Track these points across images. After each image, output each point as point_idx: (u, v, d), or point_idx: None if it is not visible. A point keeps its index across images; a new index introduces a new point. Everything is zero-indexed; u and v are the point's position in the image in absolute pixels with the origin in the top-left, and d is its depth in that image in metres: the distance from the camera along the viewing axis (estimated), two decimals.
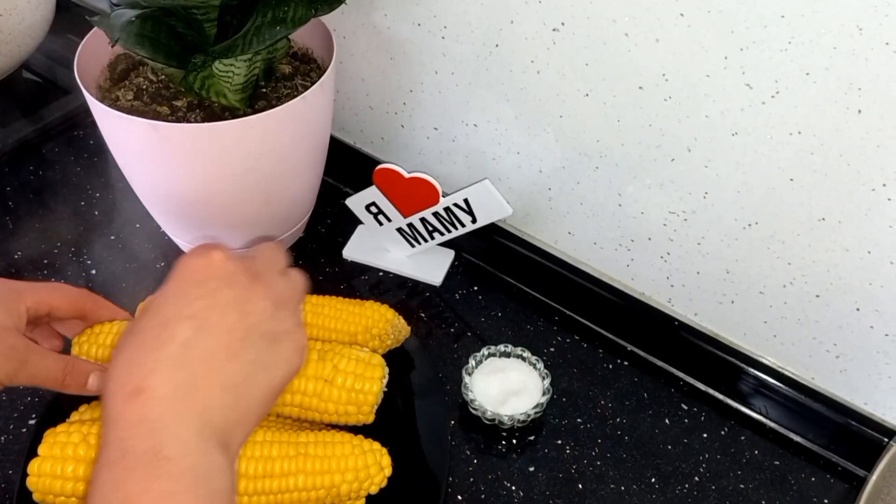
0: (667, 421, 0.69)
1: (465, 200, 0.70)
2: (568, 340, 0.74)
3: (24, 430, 0.63)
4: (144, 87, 0.69)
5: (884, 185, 0.54)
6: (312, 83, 0.66)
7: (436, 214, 0.72)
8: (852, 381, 0.66)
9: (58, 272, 0.75)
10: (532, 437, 0.67)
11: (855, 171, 0.54)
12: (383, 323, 0.66)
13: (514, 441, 0.66)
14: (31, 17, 0.88)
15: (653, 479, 0.64)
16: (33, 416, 0.64)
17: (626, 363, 0.73)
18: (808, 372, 0.68)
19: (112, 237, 0.79)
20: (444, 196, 0.71)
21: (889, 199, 0.54)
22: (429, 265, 0.79)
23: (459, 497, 0.62)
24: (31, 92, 0.97)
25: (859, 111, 0.52)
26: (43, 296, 0.53)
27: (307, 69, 0.73)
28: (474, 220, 0.71)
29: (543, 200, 0.74)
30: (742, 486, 0.64)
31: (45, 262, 0.76)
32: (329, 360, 0.56)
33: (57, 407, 0.62)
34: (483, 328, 0.75)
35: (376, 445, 0.56)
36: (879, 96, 0.50)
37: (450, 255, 0.80)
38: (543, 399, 0.65)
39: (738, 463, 0.66)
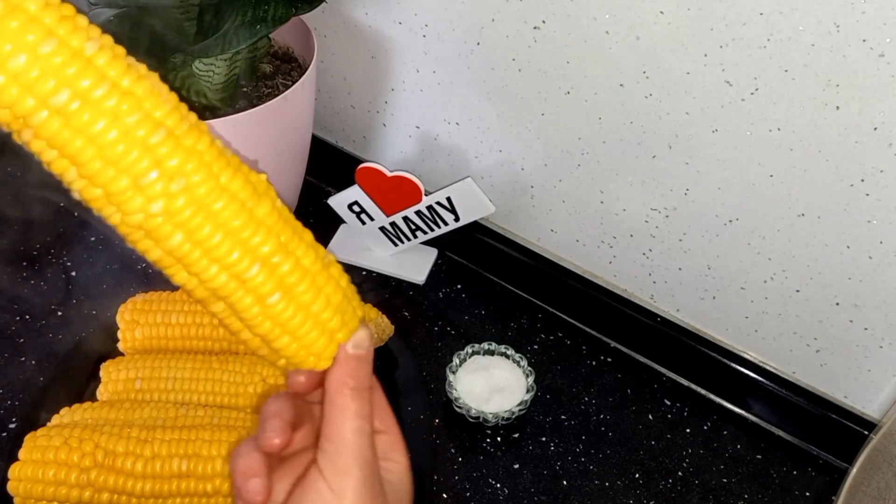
0: (650, 417, 0.69)
1: (448, 199, 0.70)
2: (551, 338, 0.75)
3: (5, 434, 0.63)
4: None
5: (862, 180, 0.54)
6: (293, 82, 0.65)
7: (418, 213, 0.72)
8: (832, 374, 0.66)
9: (38, 274, 0.75)
10: (516, 435, 0.67)
11: (833, 167, 0.55)
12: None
13: (499, 439, 0.66)
14: None
15: (637, 475, 0.65)
16: (13, 420, 0.63)
17: (609, 360, 0.73)
18: (788, 366, 0.69)
19: (92, 238, 0.78)
20: (426, 195, 0.71)
21: (867, 195, 0.55)
22: (412, 264, 0.79)
23: (444, 496, 0.62)
24: None
25: (837, 107, 0.52)
26: None
27: (288, 68, 0.73)
28: (457, 219, 0.71)
29: (526, 198, 0.74)
30: (725, 480, 0.65)
31: (25, 263, 0.75)
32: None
33: (37, 411, 0.61)
34: (467, 326, 0.75)
35: None
36: (857, 92, 0.51)
37: (433, 253, 0.80)
38: (527, 396, 0.65)
39: (720, 457, 0.67)
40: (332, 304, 0.35)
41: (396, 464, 0.40)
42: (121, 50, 0.30)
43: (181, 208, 0.30)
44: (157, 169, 0.29)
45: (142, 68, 0.31)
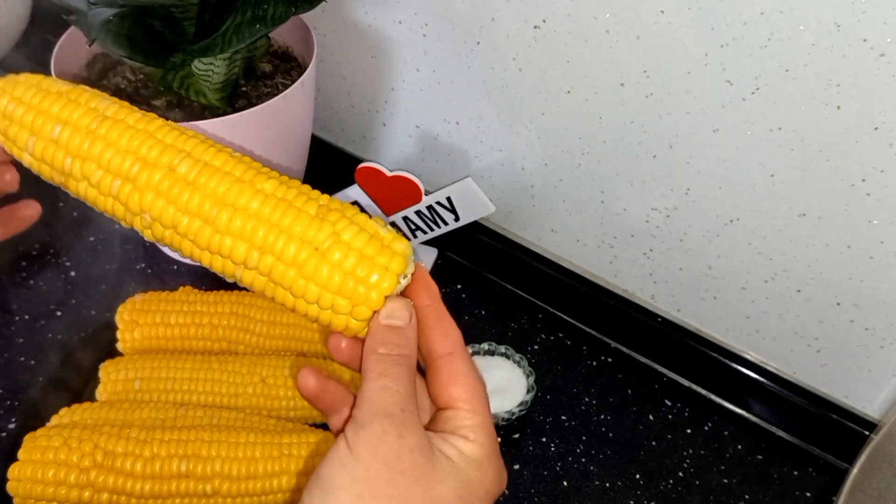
0: (651, 417, 0.69)
1: (448, 199, 0.70)
2: (552, 338, 0.75)
3: (4, 434, 0.62)
4: (123, 86, 0.68)
5: (863, 180, 0.54)
6: (293, 82, 0.65)
7: (418, 213, 0.72)
8: (833, 375, 0.66)
9: (36, 274, 0.75)
10: (517, 436, 0.67)
11: (834, 167, 0.55)
12: None
13: (499, 439, 0.66)
14: (8, 16, 0.87)
15: (637, 475, 0.65)
16: (13, 420, 0.63)
17: (609, 360, 0.73)
18: (789, 366, 0.69)
19: (91, 238, 0.78)
20: (426, 194, 0.70)
21: (868, 195, 0.55)
22: None
23: None
24: None
25: (838, 107, 0.52)
26: None
27: (287, 67, 0.73)
28: (457, 219, 0.71)
29: (526, 198, 0.74)
30: (725, 480, 0.65)
31: (24, 263, 0.75)
32: (330, 222, 0.37)
33: (37, 411, 0.61)
34: (467, 326, 0.75)
35: None
36: (858, 92, 0.51)
37: (433, 253, 0.80)
38: (528, 397, 0.65)
39: (721, 458, 0.66)
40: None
41: (469, 441, 0.36)
42: None
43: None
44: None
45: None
